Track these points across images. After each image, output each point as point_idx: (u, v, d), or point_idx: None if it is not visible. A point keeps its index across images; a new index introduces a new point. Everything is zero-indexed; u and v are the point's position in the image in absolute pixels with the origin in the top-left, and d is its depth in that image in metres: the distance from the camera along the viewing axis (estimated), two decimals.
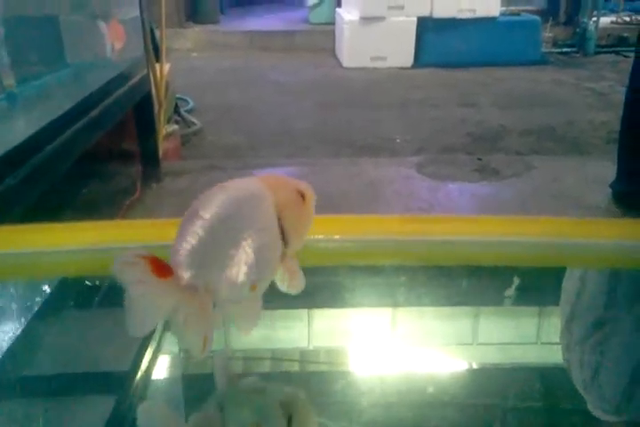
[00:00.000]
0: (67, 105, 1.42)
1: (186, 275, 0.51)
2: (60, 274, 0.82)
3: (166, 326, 0.73)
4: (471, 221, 0.89)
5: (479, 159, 2.57)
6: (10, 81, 1.23)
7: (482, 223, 0.88)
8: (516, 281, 0.89)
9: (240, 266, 0.53)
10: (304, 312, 0.77)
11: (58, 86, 1.54)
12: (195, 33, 6.45)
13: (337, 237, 0.84)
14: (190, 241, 0.51)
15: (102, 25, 1.88)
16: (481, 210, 2.04)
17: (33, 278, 0.82)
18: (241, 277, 0.54)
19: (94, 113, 1.54)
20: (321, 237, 0.83)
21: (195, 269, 0.51)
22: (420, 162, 2.54)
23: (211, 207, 0.52)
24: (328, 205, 2.35)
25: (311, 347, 0.74)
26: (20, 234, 0.83)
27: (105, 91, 1.74)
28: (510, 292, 0.87)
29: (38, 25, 1.51)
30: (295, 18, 7.41)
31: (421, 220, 0.90)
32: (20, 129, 1.27)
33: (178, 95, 3.51)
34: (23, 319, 0.70)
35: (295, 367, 0.73)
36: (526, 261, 0.86)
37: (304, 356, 0.73)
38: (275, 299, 0.64)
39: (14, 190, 1.09)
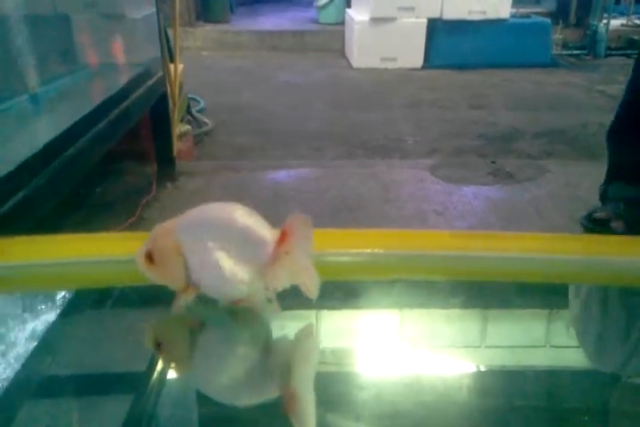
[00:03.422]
0: (90, 106, 1.43)
1: None
2: (73, 286, 0.81)
3: None
4: (506, 238, 0.88)
5: (493, 162, 2.57)
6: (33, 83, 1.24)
7: (506, 239, 0.87)
8: (525, 283, 0.88)
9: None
10: (312, 313, 0.77)
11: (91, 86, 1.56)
12: (205, 32, 6.46)
13: (367, 251, 0.83)
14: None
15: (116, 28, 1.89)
16: (497, 214, 2.04)
17: (48, 289, 0.81)
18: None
19: (116, 113, 1.55)
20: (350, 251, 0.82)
21: None
22: (433, 164, 2.54)
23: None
24: (343, 207, 2.35)
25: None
26: (35, 245, 0.82)
27: (125, 92, 1.75)
28: (519, 294, 0.86)
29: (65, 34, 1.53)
30: (304, 18, 7.42)
31: (440, 235, 0.90)
32: (43, 131, 1.27)
33: (189, 95, 3.51)
34: (41, 326, 0.71)
35: None
36: (546, 277, 0.85)
37: None
38: (282, 299, 0.64)
39: (40, 192, 1.09)
